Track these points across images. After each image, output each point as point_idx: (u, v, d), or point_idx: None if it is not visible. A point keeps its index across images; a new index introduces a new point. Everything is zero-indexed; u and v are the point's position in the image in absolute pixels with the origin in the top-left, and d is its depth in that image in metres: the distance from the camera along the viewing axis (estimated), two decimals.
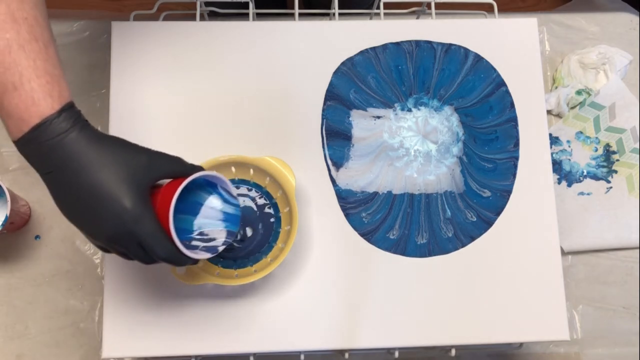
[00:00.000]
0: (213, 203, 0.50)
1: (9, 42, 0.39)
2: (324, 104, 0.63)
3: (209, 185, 0.49)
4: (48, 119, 0.40)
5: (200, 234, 0.49)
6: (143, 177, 0.43)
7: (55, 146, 0.41)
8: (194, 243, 0.48)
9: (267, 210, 0.58)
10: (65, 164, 0.41)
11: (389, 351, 0.61)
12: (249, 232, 0.58)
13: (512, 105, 0.64)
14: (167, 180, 0.46)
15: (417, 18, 0.72)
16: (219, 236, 0.49)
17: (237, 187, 0.59)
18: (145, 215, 0.42)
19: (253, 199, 0.59)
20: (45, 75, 0.41)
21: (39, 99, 0.40)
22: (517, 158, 0.63)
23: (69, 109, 0.42)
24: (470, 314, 0.59)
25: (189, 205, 0.48)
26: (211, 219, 0.49)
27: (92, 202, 0.41)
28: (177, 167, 0.46)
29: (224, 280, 0.54)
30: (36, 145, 0.41)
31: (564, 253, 0.75)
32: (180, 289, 0.58)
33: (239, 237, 0.57)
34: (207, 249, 0.48)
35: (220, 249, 0.49)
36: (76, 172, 0.41)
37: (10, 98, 0.40)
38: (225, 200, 0.50)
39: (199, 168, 0.47)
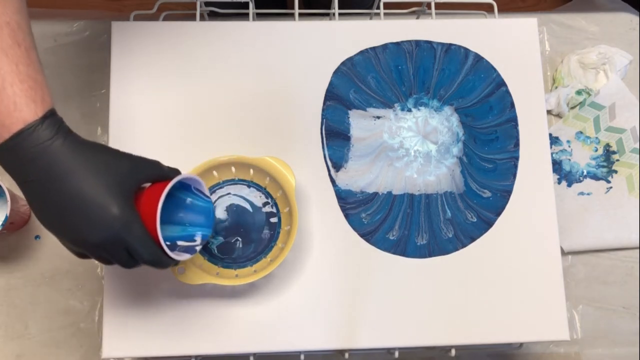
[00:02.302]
0: (188, 204, 0.51)
1: None
2: (324, 104, 0.63)
3: (182, 187, 0.51)
4: (32, 125, 0.39)
5: (180, 235, 0.50)
6: (128, 183, 0.43)
7: (39, 154, 0.40)
8: (175, 244, 0.49)
9: (269, 209, 0.58)
10: (50, 172, 0.40)
11: (389, 351, 0.61)
12: (264, 235, 0.58)
13: (512, 105, 0.64)
14: (147, 185, 0.47)
15: (417, 18, 0.72)
16: (196, 236, 0.51)
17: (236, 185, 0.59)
18: (133, 221, 0.43)
19: (251, 202, 0.59)
20: (29, 80, 0.40)
21: (21, 104, 0.39)
22: (517, 158, 0.63)
23: (52, 115, 0.41)
24: (470, 314, 0.59)
25: (167, 208, 0.49)
26: (188, 219, 0.51)
27: (79, 210, 0.41)
28: (157, 171, 0.47)
29: (224, 280, 0.54)
30: (18, 153, 0.40)
31: (564, 253, 0.75)
32: (180, 289, 0.58)
33: (213, 235, 0.58)
34: (185, 250, 0.49)
35: (198, 248, 0.50)
36: (61, 180, 0.40)
37: None
38: (200, 201, 0.51)
39: (176, 171, 0.48)
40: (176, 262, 0.47)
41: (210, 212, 0.51)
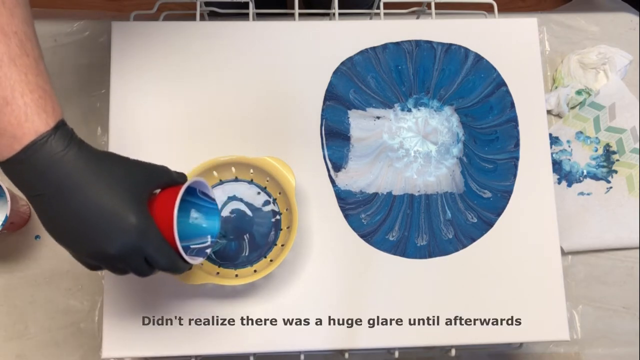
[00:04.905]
0: (196, 208, 0.51)
1: (0, 56, 0.38)
2: (324, 103, 0.63)
3: (187, 191, 0.50)
4: (44, 136, 0.39)
5: (191, 239, 0.50)
6: (141, 191, 0.43)
7: (52, 165, 0.39)
8: (188, 247, 0.49)
9: (271, 207, 0.58)
10: (64, 184, 0.39)
11: (389, 351, 0.61)
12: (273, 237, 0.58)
13: (512, 105, 0.64)
14: (157, 191, 0.47)
15: (417, 18, 0.72)
16: (206, 239, 0.51)
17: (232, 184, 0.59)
18: (150, 229, 0.42)
19: (252, 205, 0.59)
20: (38, 90, 0.39)
21: (32, 114, 0.38)
22: (517, 158, 0.63)
23: (63, 125, 0.40)
24: (470, 314, 0.59)
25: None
26: (197, 223, 0.51)
27: (96, 222, 0.40)
28: (167, 178, 0.46)
29: (224, 280, 0.54)
30: (30, 165, 0.39)
31: (564, 253, 0.75)
32: (180, 289, 0.58)
33: (221, 238, 0.58)
34: (197, 253, 0.49)
35: (209, 251, 0.50)
36: (76, 192, 0.40)
37: (1, 114, 0.38)
38: (205, 203, 0.51)
39: (183, 175, 0.48)
40: (190, 267, 0.47)
41: (216, 214, 0.51)
